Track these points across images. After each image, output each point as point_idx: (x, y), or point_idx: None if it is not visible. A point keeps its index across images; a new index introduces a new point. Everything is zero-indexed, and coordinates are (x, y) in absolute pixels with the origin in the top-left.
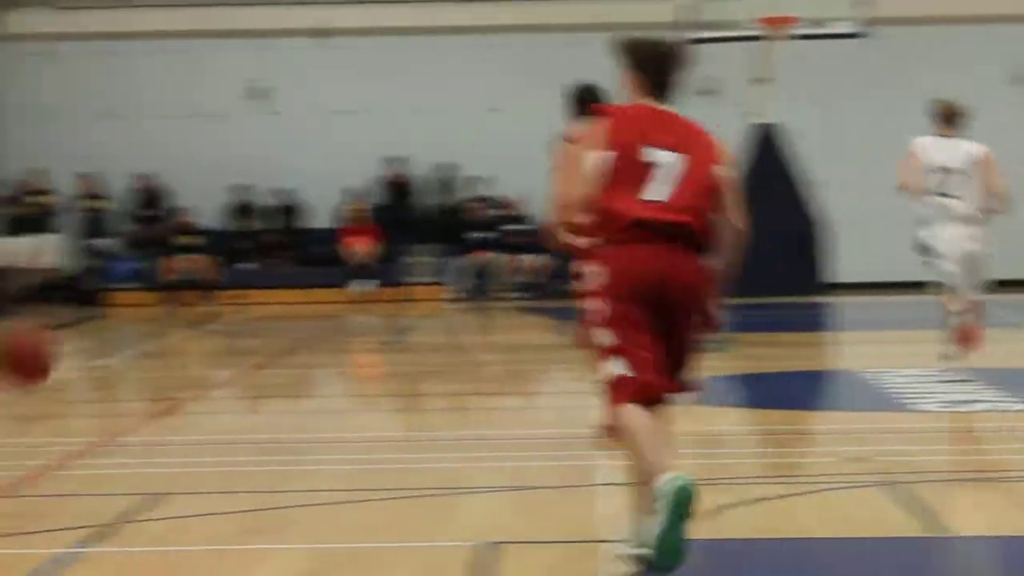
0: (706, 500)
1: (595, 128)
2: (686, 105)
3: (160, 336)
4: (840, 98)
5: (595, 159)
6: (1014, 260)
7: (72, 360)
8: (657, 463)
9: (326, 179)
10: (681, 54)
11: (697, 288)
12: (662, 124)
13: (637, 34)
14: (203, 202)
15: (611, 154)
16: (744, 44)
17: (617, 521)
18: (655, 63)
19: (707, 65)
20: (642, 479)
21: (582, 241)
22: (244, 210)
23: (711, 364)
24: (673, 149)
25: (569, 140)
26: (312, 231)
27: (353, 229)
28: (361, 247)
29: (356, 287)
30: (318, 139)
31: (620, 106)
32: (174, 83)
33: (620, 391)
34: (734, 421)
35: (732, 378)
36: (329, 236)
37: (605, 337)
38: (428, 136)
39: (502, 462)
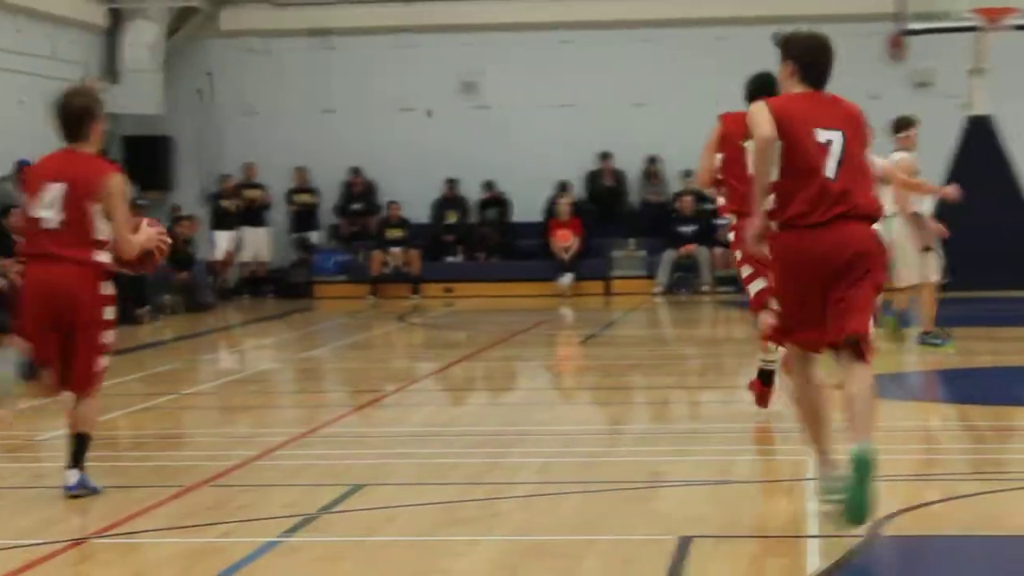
0: (911, 495)
1: (759, 115)
2: (900, 97)
3: (366, 328)
4: None
5: (762, 144)
6: None
7: (278, 352)
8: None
9: (534, 173)
10: (831, 46)
11: (867, 254)
12: (822, 107)
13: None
14: (412, 196)
15: (779, 140)
16: (960, 35)
17: (821, 517)
18: (810, 54)
19: (922, 57)
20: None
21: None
22: (452, 203)
23: (928, 359)
24: (835, 128)
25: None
26: (520, 225)
27: (561, 223)
28: (567, 241)
29: (563, 281)
30: (527, 133)
31: (782, 96)
32: (384, 77)
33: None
34: (945, 417)
35: (946, 373)
36: (537, 230)
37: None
38: (638, 129)
39: (703, 456)
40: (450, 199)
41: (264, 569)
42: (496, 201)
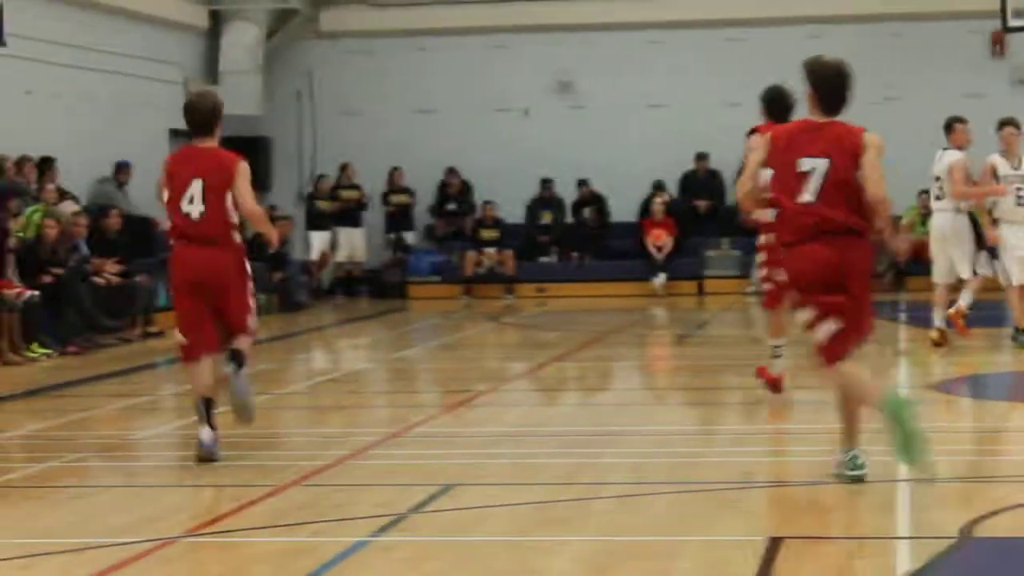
0: (1002, 497)
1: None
2: (1001, 94)
3: (459, 329)
4: None
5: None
6: None
7: (372, 352)
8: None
9: (629, 172)
10: (848, 73)
11: (851, 265)
12: (814, 135)
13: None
14: (506, 196)
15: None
16: None
17: (912, 517)
18: (828, 83)
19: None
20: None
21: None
22: (547, 203)
23: (1002, 360)
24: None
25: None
26: (615, 224)
27: (655, 222)
28: (660, 240)
29: (657, 281)
30: (622, 133)
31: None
32: (480, 77)
33: (828, 353)
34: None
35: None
36: (631, 230)
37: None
38: (733, 129)
39: (795, 456)
40: (545, 199)
41: (355, 568)
42: (592, 199)
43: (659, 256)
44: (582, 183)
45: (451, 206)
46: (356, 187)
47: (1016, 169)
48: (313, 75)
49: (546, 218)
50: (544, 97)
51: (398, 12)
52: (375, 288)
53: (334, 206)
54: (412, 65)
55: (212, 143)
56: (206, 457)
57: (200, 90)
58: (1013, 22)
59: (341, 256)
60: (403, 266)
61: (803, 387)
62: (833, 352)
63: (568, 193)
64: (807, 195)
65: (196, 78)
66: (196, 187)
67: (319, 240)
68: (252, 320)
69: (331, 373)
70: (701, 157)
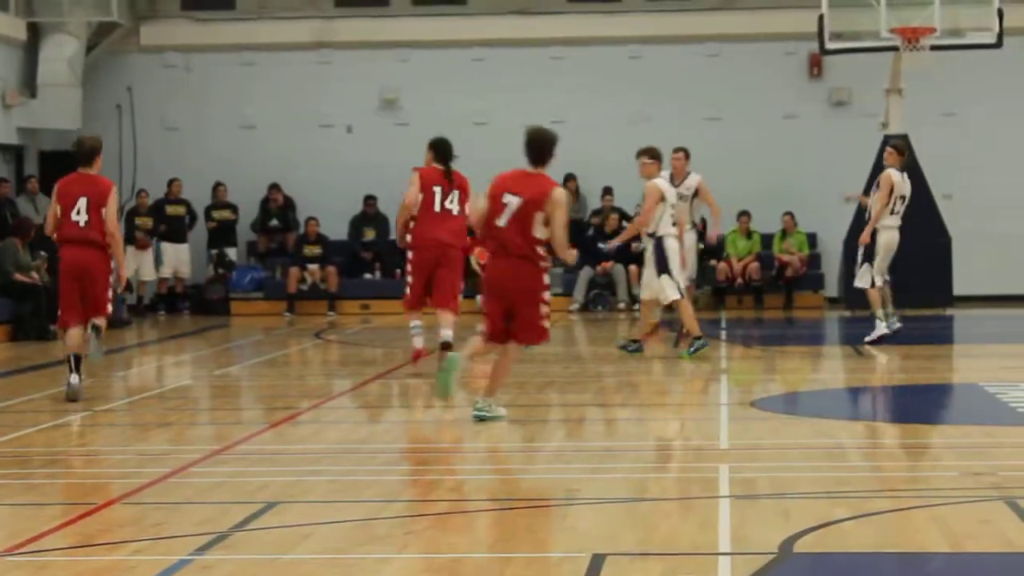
0: (822, 513)
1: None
2: (818, 115)
3: (282, 345)
4: (966, 110)
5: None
6: None
7: (194, 368)
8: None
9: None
10: (551, 139)
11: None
12: (520, 180)
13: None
14: (330, 212)
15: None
16: (878, 55)
17: (733, 533)
18: (532, 144)
19: (840, 76)
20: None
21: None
22: (370, 220)
23: (841, 377)
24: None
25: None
26: None
27: (480, 241)
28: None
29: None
30: None
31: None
32: (304, 93)
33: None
34: (856, 434)
35: (858, 390)
36: None
37: None
38: (558, 148)
39: (617, 473)
40: (368, 216)
41: None
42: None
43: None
44: None
45: (274, 222)
46: (185, 203)
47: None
48: (134, 89)
49: (369, 235)
50: (368, 114)
51: (221, 27)
52: (197, 304)
53: (156, 222)
54: (235, 80)
55: (93, 171)
56: (72, 397)
57: (88, 134)
58: (830, 44)
59: (166, 272)
60: (226, 282)
61: (626, 405)
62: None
63: (391, 210)
64: (501, 221)
65: (14, 90)
66: (82, 203)
67: (135, 256)
68: (108, 304)
69: (153, 390)
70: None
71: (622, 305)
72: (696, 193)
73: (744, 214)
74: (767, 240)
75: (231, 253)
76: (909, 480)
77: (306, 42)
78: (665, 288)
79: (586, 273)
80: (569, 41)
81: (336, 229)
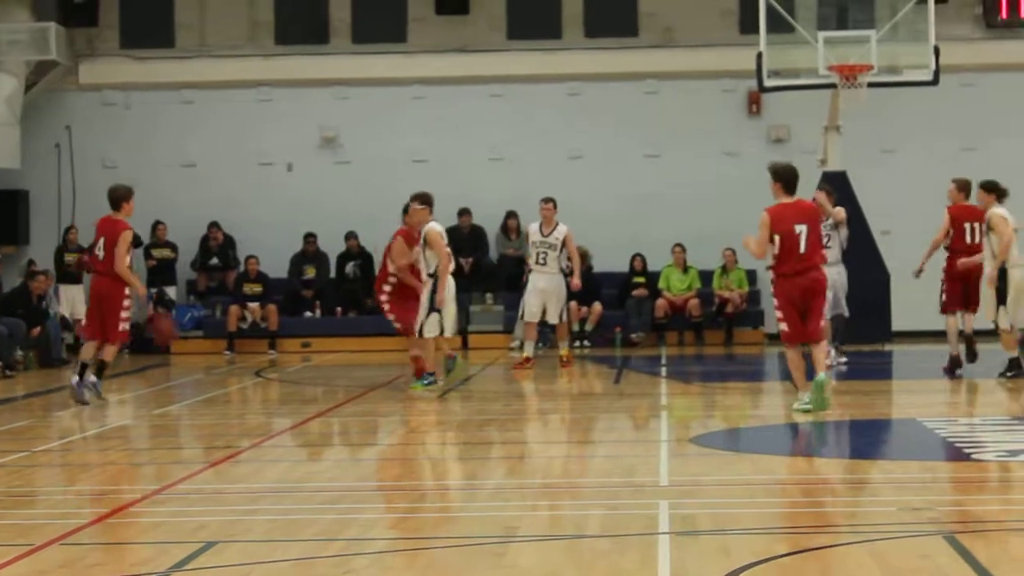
0: (761, 549)
1: None
2: (757, 153)
3: (222, 384)
4: (904, 146)
5: None
6: None
7: (134, 408)
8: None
9: (393, 228)
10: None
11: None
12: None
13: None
14: (270, 250)
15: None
16: (816, 92)
17: (673, 570)
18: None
19: (779, 113)
20: None
21: None
22: (311, 258)
23: (782, 413)
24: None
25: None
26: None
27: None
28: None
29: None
30: (386, 188)
31: None
32: (244, 132)
33: None
34: (796, 470)
35: (792, 426)
36: None
37: None
38: (495, 184)
39: (557, 511)
40: (309, 254)
41: None
42: (358, 254)
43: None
44: (349, 236)
45: (214, 260)
46: None
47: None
48: (73, 128)
49: (310, 272)
50: (308, 152)
51: (161, 65)
52: (137, 343)
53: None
54: (175, 118)
55: (120, 215)
56: (73, 396)
57: (117, 183)
58: (768, 82)
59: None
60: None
61: (566, 442)
62: None
63: (332, 248)
64: None
65: None
66: (102, 241)
67: (68, 294)
68: (118, 329)
69: (92, 429)
70: (464, 212)
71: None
72: (564, 243)
73: (678, 246)
74: (707, 277)
75: (171, 291)
76: (849, 515)
77: (246, 80)
78: (431, 324)
79: None
80: (509, 79)
81: (276, 267)
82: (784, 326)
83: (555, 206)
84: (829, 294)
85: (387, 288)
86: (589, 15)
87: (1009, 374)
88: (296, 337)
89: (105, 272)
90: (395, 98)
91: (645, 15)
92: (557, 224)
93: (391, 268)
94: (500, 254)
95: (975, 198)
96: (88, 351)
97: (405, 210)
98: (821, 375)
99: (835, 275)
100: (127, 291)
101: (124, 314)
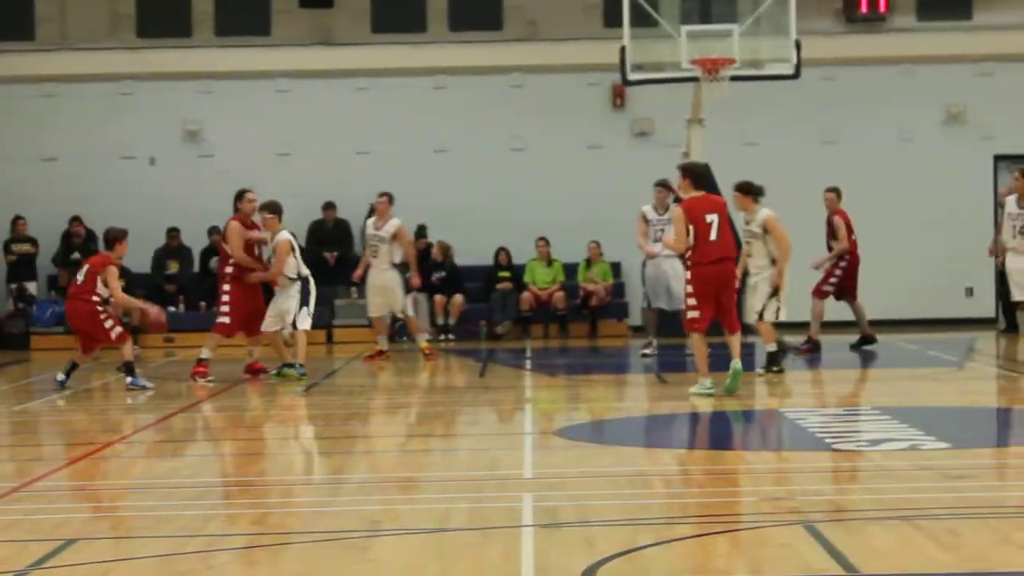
0: (625, 540)
1: None
2: (621, 146)
3: (84, 380)
4: (767, 139)
5: None
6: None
7: None
8: None
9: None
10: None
11: None
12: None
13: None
14: (133, 245)
15: None
16: (679, 85)
17: (537, 562)
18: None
19: (643, 106)
20: None
21: None
22: (174, 253)
23: (646, 405)
24: None
25: None
26: None
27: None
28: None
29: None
30: (250, 182)
31: None
32: (106, 125)
33: None
34: (659, 462)
35: (657, 418)
36: None
37: None
38: (361, 178)
39: (421, 504)
40: (172, 248)
41: None
42: (222, 248)
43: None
44: (213, 230)
45: (76, 256)
46: None
47: None
48: None
49: (173, 267)
50: (171, 145)
51: (20, 58)
52: None
53: None
54: (35, 112)
55: (109, 253)
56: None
57: (113, 227)
58: (632, 76)
59: None
60: (26, 316)
61: (431, 435)
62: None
63: (196, 242)
64: None
65: None
66: (84, 269)
67: None
68: (113, 333)
69: None
70: (329, 206)
71: (427, 335)
72: (395, 236)
73: (542, 239)
74: (571, 269)
75: (31, 287)
76: (711, 506)
77: (108, 73)
78: (303, 318)
79: None
80: (374, 72)
81: (139, 262)
82: (696, 313)
83: (391, 200)
84: (676, 284)
85: (228, 275)
86: (454, 8)
87: (775, 368)
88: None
89: (79, 295)
90: (259, 91)
91: (510, 8)
92: (391, 218)
93: (231, 253)
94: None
95: (731, 202)
96: (78, 354)
97: (238, 196)
98: (738, 363)
99: (675, 267)
100: (100, 309)
101: (104, 325)
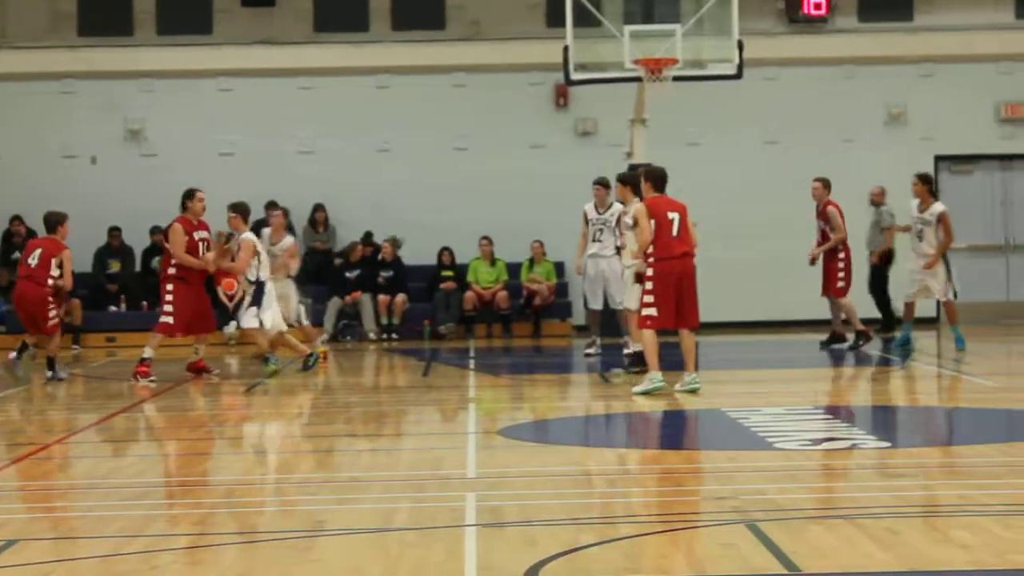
0: (568, 539)
1: None
2: (564, 146)
3: (24, 379)
4: (709, 139)
5: None
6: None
7: None
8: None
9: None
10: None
11: None
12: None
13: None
14: (74, 244)
15: None
16: (622, 85)
17: (479, 562)
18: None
19: (586, 106)
20: None
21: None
22: (116, 252)
23: (589, 404)
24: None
25: None
26: None
27: (226, 272)
28: (232, 289)
29: (228, 330)
30: (193, 182)
31: None
32: (47, 124)
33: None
34: (602, 461)
35: (599, 417)
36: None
37: None
38: (303, 177)
39: (364, 504)
40: (114, 248)
41: None
42: (164, 248)
43: (230, 305)
44: (155, 230)
45: (16, 255)
46: None
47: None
48: None
49: (115, 267)
50: (113, 145)
51: None
52: None
53: None
54: None
55: (54, 236)
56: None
57: (54, 210)
58: (575, 75)
59: None
60: None
61: (374, 435)
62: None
63: (138, 242)
64: None
65: None
66: (36, 252)
67: None
68: (50, 323)
69: None
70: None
71: (372, 335)
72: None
73: (485, 238)
74: (514, 269)
75: None
76: (653, 505)
77: (49, 72)
78: (249, 317)
79: (335, 304)
80: (316, 72)
81: (80, 261)
82: (654, 311)
83: (286, 215)
84: (614, 286)
85: (171, 275)
86: (396, 8)
87: (634, 369)
88: (100, 332)
89: (35, 278)
90: (201, 90)
91: (452, 8)
92: (285, 236)
93: (172, 254)
94: (308, 247)
95: (614, 192)
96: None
97: (188, 195)
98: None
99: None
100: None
101: (51, 312)
